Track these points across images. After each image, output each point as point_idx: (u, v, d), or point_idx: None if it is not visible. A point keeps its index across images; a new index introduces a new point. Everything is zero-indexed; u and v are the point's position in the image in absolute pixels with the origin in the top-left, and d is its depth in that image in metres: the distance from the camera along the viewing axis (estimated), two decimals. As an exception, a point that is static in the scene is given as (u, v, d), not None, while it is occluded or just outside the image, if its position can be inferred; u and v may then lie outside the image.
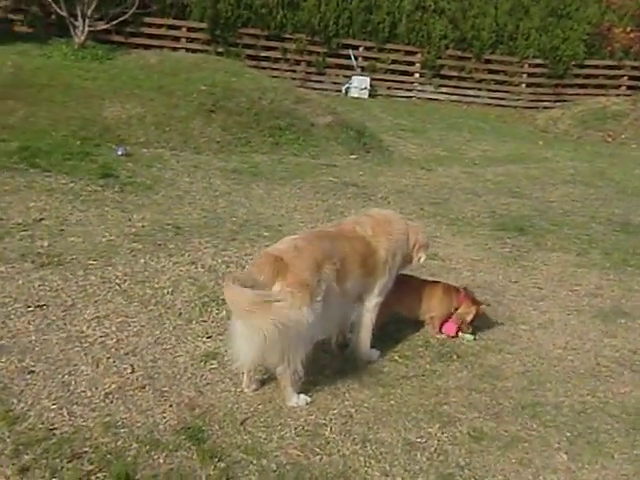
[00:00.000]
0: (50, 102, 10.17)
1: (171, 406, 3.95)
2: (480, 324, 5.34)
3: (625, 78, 21.11)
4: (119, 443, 3.56)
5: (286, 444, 3.73)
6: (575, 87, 20.97)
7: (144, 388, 4.09)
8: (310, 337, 4.00)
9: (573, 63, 20.81)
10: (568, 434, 4.09)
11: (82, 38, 13.57)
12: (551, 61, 20.73)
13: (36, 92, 10.37)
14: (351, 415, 4.05)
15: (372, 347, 4.75)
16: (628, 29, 19.50)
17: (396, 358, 4.78)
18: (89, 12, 13.53)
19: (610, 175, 11.65)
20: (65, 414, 3.73)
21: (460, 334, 5.16)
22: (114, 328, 4.75)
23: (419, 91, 20.39)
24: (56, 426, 3.62)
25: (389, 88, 19.95)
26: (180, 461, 3.49)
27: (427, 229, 7.48)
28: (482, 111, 19.31)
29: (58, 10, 14.01)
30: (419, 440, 3.89)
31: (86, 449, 3.48)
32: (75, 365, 4.24)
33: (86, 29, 13.55)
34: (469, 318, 5.13)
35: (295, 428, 3.87)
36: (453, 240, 7.35)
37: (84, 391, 3.98)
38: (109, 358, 4.37)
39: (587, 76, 21.06)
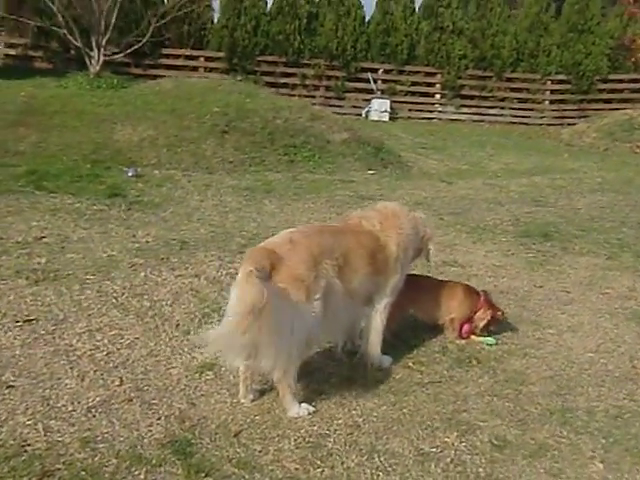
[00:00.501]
0: (62, 128, 10.07)
1: (159, 419, 3.60)
2: (502, 329, 4.94)
3: (651, 92, 20.59)
4: (96, 459, 3.21)
5: (283, 457, 3.34)
6: (600, 102, 20.50)
7: (131, 401, 3.75)
8: (308, 339, 3.63)
9: (597, 78, 20.37)
10: (603, 441, 3.65)
11: (97, 68, 13.57)
12: (574, 77, 20.33)
13: (48, 119, 10.28)
14: (358, 425, 3.66)
15: (384, 354, 4.35)
16: (651, 40, 19.08)
17: (410, 365, 4.38)
18: (104, 42, 13.53)
19: (639, 183, 11.15)
20: (40, 429, 3.40)
21: (482, 339, 4.74)
22: (106, 341, 4.44)
23: (440, 112, 20.09)
24: (29, 442, 3.29)
25: (410, 110, 19.68)
26: (163, 477, 3.13)
27: (445, 237, 7.16)
28: (505, 129, 18.91)
29: (74, 41, 14.04)
30: (434, 450, 3.47)
31: (59, 466, 3.14)
32: (58, 379, 3.92)
33: (101, 58, 13.56)
34: (482, 324, 4.72)
35: (295, 440, 3.49)
36: (473, 247, 6.95)
37: (65, 405, 3.65)
38: (96, 371, 4.05)
39: (612, 90, 20.59)
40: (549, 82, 20.46)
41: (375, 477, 3.24)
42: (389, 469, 3.30)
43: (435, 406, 3.89)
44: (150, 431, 3.48)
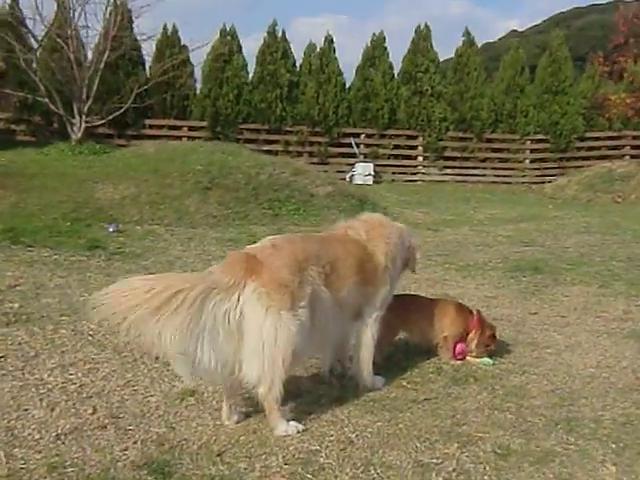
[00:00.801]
0: (41, 189, 9.94)
1: (135, 443, 3.33)
2: (498, 350, 4.72)
3: (627, 148, 20.90)
4: (64, 482, 2.93)
5: (271, 472, 3.07)
6: (579, 159, 20.75)
7: (105, 428, 3.48)
8: (293, 349, 3.39)
9: (574, 136, 20.69)
10: (613, 446, 3.40)
11: (79, 135, 13.59)
12: (552, 136, 20.64)
13: (27, 180, 10.17)
14: (351, 441, 3.39)
15: (375, 374, 4.12)
16: (623, 95, 19.45)
17: (404, 384, 4.14)
18: (85, 108, 13.60)
19: (625, 226, 11.11)
20: (1, 457, 3.11)
21: (478, 360, 4.51)
22: (80, 374, 4.18)
23: (423, 174, 20.24)
24: (-11, 469, 3.01)
25: (393, 173, 19.80)
26: (138, 497, 2.85)
27: (435, 274, 7.00)
28: (488, 188, 19.03)
29: (56, 109, 14.10)
30: (434, 461, 3.21)
31: (22, 490, 2.85)
32: (25, 410, 3.65)
33: (83, 125, 13.60)
34: (474, 343, 4.51)
35: (283, 456, 3.22)
36: (464, 282, 6.78)
37: (30, 434, 3.38)
38: (68, 401, 3.78)
39: (589, 148, 20.88)
40: (528, 142, 20.74)
41: (372, 488, 2.97)
42: (386, 480, 3.03)
43: (433, 420, 3.64)
44: (125, 455, 3.20)
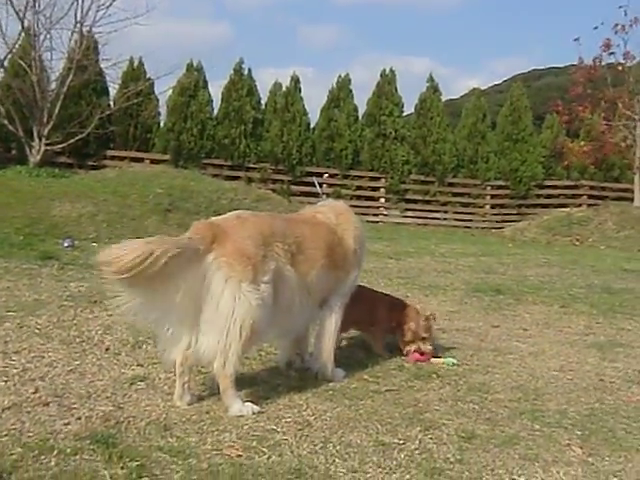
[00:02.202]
0: (-6, 204, 9.63)
1: (79, 419, 3.11)
2: (460, 354, 4.61)
3: (585, 197, 21.36)
4: (-3, 449, 2.70)
5: (225, 446, 2.89)
6: (538, 207, 21.09)
7: (47, 405, 3.26)
8: (251, 322, 3.24)
9: (533, 184, 21.08)
10: (579, 432, 3.31)
11: (38, 158, 13.32)
12: (512, 182, 20.98)
13: (-22, 196, 9.85)
14: (309, 423, 3.23)
15: (336, 367, 3.97)
16: (582, 143, 19.96)
17: (365, 377, 4.00)
18: (45, 131, 13.38)
19: (584, 262, 11.20)
20: None
21: (442, 360, 4.38)
22: (23, 360, 3.95)
23: (385, 215, 20.31)
24: None
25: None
26: (78, 464, 2.64)
27: (396, 293, 6.90)
28: (449, 231, 19.15)
29: (14, 130, 13.83)
30: (396, 441, 3.07)
31: (-51, 454, 2.62)
32: (-41, 389, 3.40)
33: (42, 148, 13.34)
34: (409, 335, 4.38)
35: (237, 433, 3.04)
36: (426, 299, 6.69)
37: (-37, 409, 3.13)
38: (7, 382, 3.55)
39: (548, 196, 21.28)
40: (489, 187, 21.04)
41: (331, 462, 2.80)
42: (346, 456, 2.87)
43: (395, 408, 3.50)
44: (67, 428, 2.99)
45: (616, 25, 19.08)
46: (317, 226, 3.79)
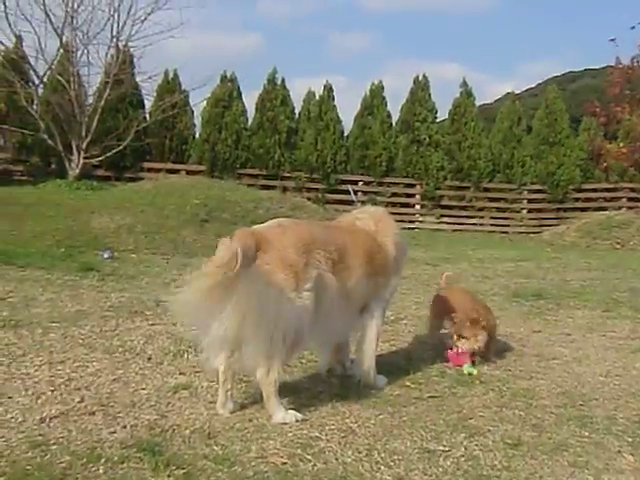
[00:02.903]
0: (36, 217, 9.86)
1: (124, 427, 3.14)
2: (504, 359, 4.56)
3: (624, 200, 20.98)
4: (46, 458, 2.75)
5: (269, 454, 2.89)
6: (576, 210, 20.76)
7: (93, 414, 3.30)
8: (295, 330, 3.24)
9: (571, 187, 20.78)
10: (629, 439, 3.23)
11: (77, 171, 13.57)
12: (549, 187, 20.71)
13: (22, 209, 10.10)
14: (353, 430, 3.21)
15: (378, 374, 3.95)
16: (621, 145, 19.62)
17: (407, 384, 3.97)
18: (84, 145, 13.62)
19: (625, 265, 10.99)
20: (-19, 435, 2.93)
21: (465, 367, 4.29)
22: (68, 370, 4.00)
23: (421, 222, 20.19)
24: (-32, 446, 2.82)
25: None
26: (126, 472, 2.66)
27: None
28: (486, 237, 18.98)
29: (54, 145, 14.09)
30: (441, 449, 3.03)
31: (1, 463, 2.66)
32: (10, 397, 3.47)
33: (81, 162, 13.58)
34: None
35: (281, 441, 3.03)
36: (465, 305, 6.61)
37: (14, 418, 3.19)
38: (54, 391, 3.60)
39: (587, 199, 20.95)
40: (525, 192, 20.79)
41: (376, 469, 2.78)
42: (391, 464, 2.85)
43: (438, 415, 3.46)
44: (113, 436, 3.02)
45: (653, 24, 18.77)
46: (357, 233, 3.79)
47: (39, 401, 3.43)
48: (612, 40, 20.21)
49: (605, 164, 19.92)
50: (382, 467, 2.80)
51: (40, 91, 15.15)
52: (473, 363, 4.32)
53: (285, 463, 2.79)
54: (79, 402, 3.44)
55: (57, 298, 6.05)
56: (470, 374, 4.19)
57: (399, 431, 3.21)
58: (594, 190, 20.99)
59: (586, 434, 3.27)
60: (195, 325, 3.28)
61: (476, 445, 3.08)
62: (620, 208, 20.38)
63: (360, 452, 2.94)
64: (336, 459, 2.86)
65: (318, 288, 3.36)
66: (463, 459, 2.92)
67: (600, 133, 20.89)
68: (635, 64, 19.39)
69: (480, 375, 4.20)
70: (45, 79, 14.92)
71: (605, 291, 7.80)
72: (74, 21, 14.82)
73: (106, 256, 8.66)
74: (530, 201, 20.88)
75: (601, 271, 9.99)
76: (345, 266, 3.56)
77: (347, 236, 3.71)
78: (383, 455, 2.92)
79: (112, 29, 15.44)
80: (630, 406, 3.73)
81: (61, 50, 14.67)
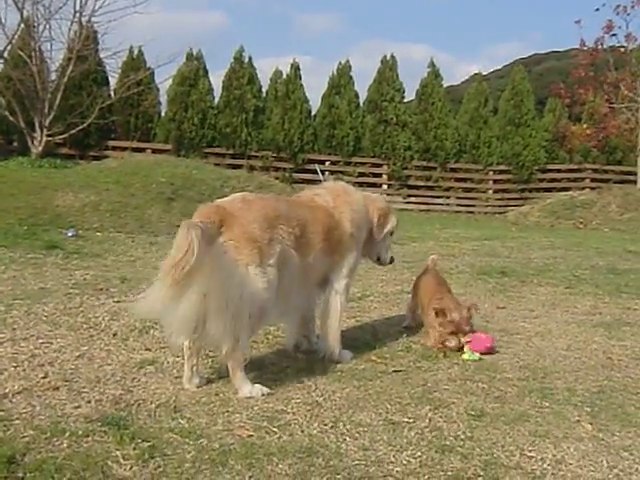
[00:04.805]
0: (-3, 195, 9.63)
1: (89, 402, 3.12)
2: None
3: (588, 180, 21.30)
4: (9, 433, 2.71)
5: (235, 427, 2.90)
6: (541, 191, 21.04)
7: (57, 389, 3.27)
8: (259, 305, 3.24)
9: (536, 168, 21.01)
10: (588, 409, 3.31)
11: (40, 149, 13.30)
12: (514, 167, 20.93)
13: (-18, 187, 9.85)
14: (319, 403, 3.24)
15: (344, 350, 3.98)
16: (584, 126, 19.89)
17: (373, 359, 4.00)
18: (47, 122, 13.35)
19: (588, 244, 11.19)
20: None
21: (466, 356, 4.13)
22: (31, 347, 3.96)
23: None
24: None
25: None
26: (90, 445, 2.64)
27: (401, 276, 6.92)
28: (452, 216, 19.14)
29: (15, 122, 13.80)
30: (406, 420, 3.07)
31: (-37, 437, 2.63)
32: (-30, 374, 3.41)
33: (44, 139, 13.32)
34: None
35: (247, 414, 3.04)
36: (431, 282, 6.67)
37: (-26, 394, 3.14)
38: (17, 367, 3.55)
39: (551, 180, 21.23)
40: (491, 172, 20.98)
41: (341, 440, 2.81)
42: (356, 435, 2.88)
43: (403, 388, 3.50)
44: (77, 411, 3.00)
45: (618, 6, 18.99)
46: (316, 209, 3.77)
47: (1, 377, 3.39)
48: (577, 22, 20.52)
49: (569, 145, 20.18)
50: (347, 438, 2.83)
51: (0, 67, 14.78)
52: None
53: (251, 436, 2.80)
54: (43, 378, 3.41)
55: (20, 276, 5.97)
56: (473, 360, 4.05)
57: (364, 404, 3.24)
58: (558, 171, 21.29)
59: (547, 405, 3.33)
60: (159, 315, 3.24)
61: (440, 417, 3.12)
62: (583, 189, 20.69)
63: (326, 424, 2.96)
64: (302, 431, 2.88)
65: (280, 262, 3.36)
66: (427, 430, 2.96)
67: (565, 115, 21.15)
68: (599, 46, 19.62)
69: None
70: (5, 54, 14.55)
71: (568, 269, 7.95)
72: (35, -5, 14.47)
73: (70, 234, 8.54)
74: (496, 181, 21.11)
75: (564, 250, 10.16)
76: (305, 241, 3.56)
77: (307, 212, 3.70)
78: (348, 427, 2.95)
79: (75, 4, 15.13)
80: (590, 378, 3.81)
81: (22, 25, 14.31)
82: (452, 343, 4.17)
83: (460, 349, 4.15)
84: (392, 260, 4.47)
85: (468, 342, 4.15)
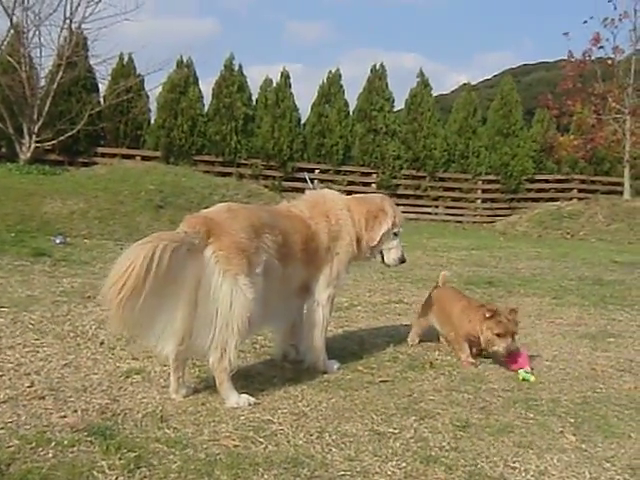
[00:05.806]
0: (-15, 201, 9.60)
1: (75, 411, 3.12)
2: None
3: (575, 191, 21.45)
4: (-6, 442, 2.71)
5: (221, 437, 2.90)
6: (529, 201, 21.17)
7: (43, 398, 3.26)
8: (248, 316, 3.25)
9: (524, 178, 21.14)
10: (572, 420, 3.33)
11: (28, 155, 13.26)
12: (503, 177, 21.05)
13: (-30, 194, 9.82)
14: (305, 413, 3.25)
15: (330, 360, 3.99)
16: (572, 137, 20.05)
17: (360, 369, 4.02)
18: (36, 128, 13.32)
19: (575, 255, 11.28)
20: None
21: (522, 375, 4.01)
22: (17, 355, 3.95)
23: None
24: None
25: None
26: (75, 455, 2.64)
27: (390, 285, 6.96)
28: (440, 226, 19.21)
29: (4, 128, 13.75)
30: (391, 430, 3.09)
31: (-52, 446, 2.62)
32: (-44, 383, 3.40)
33: (32, 145, 13.27)
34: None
35: (234, 424, 3.05)
36: (418, 292, 6.72)
37: (-41, 403, 3.13)
38: (2, 376, 3.55)
39: (539, 190, 21.37)
40: (480, 182, 21.09)
41: (327, 451, 2.82)
42: (342, 445, 2.89)
43: (390, 398, 3.52)
44: (63, 420, 2.99)
45: (605, 19, 19.18)
46: (294, 219, 3.77)
47: (-14, 387, 3.37)
48: (565, 34, 20.60)
49: (557, 156, 20.33)
50: (333, 449, 2.84)
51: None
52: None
53: (237, 446, 2.81)
54: (28, 387, 3.40)
55: (7, 283, 5.96)
56: (526, 380, 3.93)
57: (350, 414, 3.26)
58: (546, 181, 21.45)
59: (531, 416, 3.36)
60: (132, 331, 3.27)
61: (425, 427, 3.14)
62: (571, 199, 20.86)
63: (312, 434, 2.97)
64: (288, 441, 2.89)
65: (265, 272, 3.38)
66: (412, 440, 2.97)
67: (553, 125, 21.31)
68: (587, 58, 19.80)
69: (433, 360, 4.28)
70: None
71: (554, 279, 8.01)
72: (25, 1, 14.45)
73: (58, 241, 8.53)
74: (484, 191, 21.23)
75: (551, 260, 10.23)
76: (286, 251, 3.57)
77: (287, 222, 3.70)
78: (334, 437, 2.96)
79: (65, 10, 15.11)
80: (574, 389, 3.85)
81: (11, 31, 14.28)
82: (501, 345, 4.04)
83: (508, 356, 4.06)
84: (403, 260, 4.26)
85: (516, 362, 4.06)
